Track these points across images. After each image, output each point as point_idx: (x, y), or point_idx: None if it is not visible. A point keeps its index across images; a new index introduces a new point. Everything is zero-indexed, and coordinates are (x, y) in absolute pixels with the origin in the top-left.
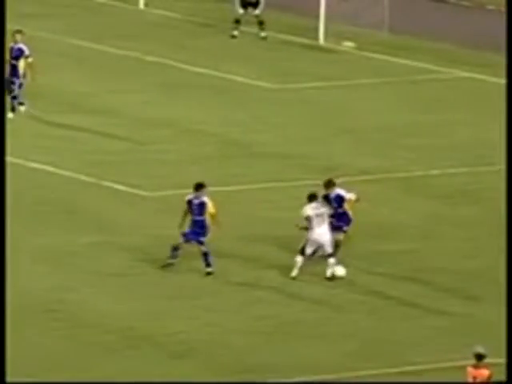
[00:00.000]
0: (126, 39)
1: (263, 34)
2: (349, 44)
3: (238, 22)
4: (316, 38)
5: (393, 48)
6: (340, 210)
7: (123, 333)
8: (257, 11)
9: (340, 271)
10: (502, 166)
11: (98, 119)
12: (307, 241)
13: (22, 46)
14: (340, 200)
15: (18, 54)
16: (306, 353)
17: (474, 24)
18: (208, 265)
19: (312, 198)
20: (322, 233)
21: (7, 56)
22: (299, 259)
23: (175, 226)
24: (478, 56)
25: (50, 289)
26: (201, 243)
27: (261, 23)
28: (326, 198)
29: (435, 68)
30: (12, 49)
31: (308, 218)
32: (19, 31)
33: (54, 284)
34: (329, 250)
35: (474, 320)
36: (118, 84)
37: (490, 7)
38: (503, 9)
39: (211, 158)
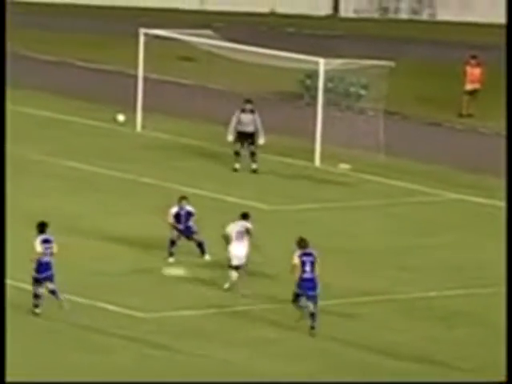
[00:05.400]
0: (123, 161)
1: (254, 166)
2: (345, 166)
3: (237, 154)
4: (312, 160)
5: (388, 170)
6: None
7: None
8: (261, 141)
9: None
10: (499, 288)
11: (93, 241)
12: (230, 256)
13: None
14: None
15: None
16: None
17: (467, 147)
18: None
19: (244, 216)
20: (240, 247)
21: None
22: (234, 274)
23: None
24: (471, 178)
25: None
26: None
27: (253, 154)
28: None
29: (429, 190)
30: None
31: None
32: (185, 197)
33: None
34: (236, 262)
35: None
36: (113, 206)
37: (483, 130)
38: (496, 132)
39: (208, 279)
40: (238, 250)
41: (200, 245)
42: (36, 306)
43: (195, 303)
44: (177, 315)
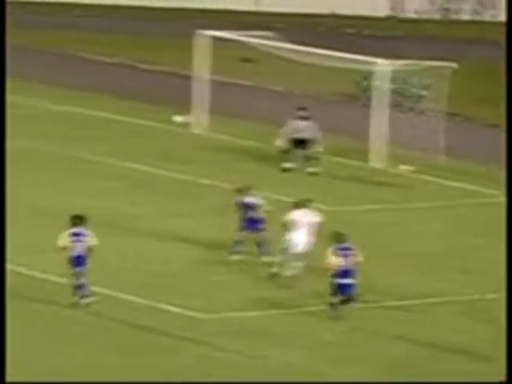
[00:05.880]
0: (181, 162)
1: (313, 169)
2: (405, 167)
3: (285, 152)
4: (371, 161)
5: (448, 171)
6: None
7: None
8: (319, 148)
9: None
10: None
11: (153, 242)
12: (291, 244)
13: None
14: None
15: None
16: None
17: None
18: None
19: (299, 205)
20: (300, 235)
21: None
22: (296, 264)
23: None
24: None
25: None
26: None
27: (309, 158)
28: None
29: (489, 191)
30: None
31: (287, 223)
32: (240, 189)
33: None
34: (298, 249)
35: None
36: (172, 207)
37: None
38: None
39: (268, 280)
40: (299, 238)
41: (261, 244)
42: (82, 296)
43: (255, 304)
44: (237, 316)
